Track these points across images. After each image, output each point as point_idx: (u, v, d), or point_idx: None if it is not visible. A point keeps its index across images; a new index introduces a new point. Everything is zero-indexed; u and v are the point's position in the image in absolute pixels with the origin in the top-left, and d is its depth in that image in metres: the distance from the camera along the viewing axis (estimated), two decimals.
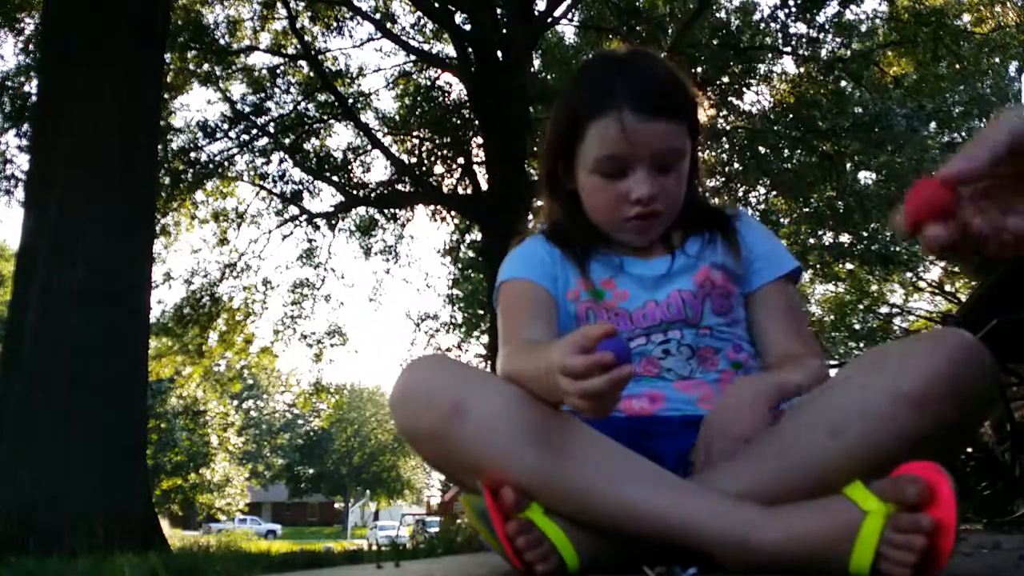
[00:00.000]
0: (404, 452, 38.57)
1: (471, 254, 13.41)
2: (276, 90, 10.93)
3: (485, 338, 14.18)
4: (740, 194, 11.73)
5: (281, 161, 11.02)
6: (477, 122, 10.07)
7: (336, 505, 45.94)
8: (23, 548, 3.47)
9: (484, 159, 9.96)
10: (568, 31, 12.44)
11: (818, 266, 12.54)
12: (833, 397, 0.97)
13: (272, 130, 10.85)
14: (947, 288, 19.29)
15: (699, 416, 1.10)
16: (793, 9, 9.73)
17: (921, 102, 10.31)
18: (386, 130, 11.53)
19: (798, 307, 1.30)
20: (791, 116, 10.34)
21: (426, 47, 11.20)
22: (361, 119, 10.80)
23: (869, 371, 0.97)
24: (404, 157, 11.13)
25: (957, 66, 11.10)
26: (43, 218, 4.54)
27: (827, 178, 10.43)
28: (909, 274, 17.94)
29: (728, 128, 10.65)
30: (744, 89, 10.77)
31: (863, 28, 10.77)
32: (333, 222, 11.77)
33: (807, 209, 11.27)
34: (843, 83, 10.53)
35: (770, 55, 10.60)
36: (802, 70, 10.58)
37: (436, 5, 9.56)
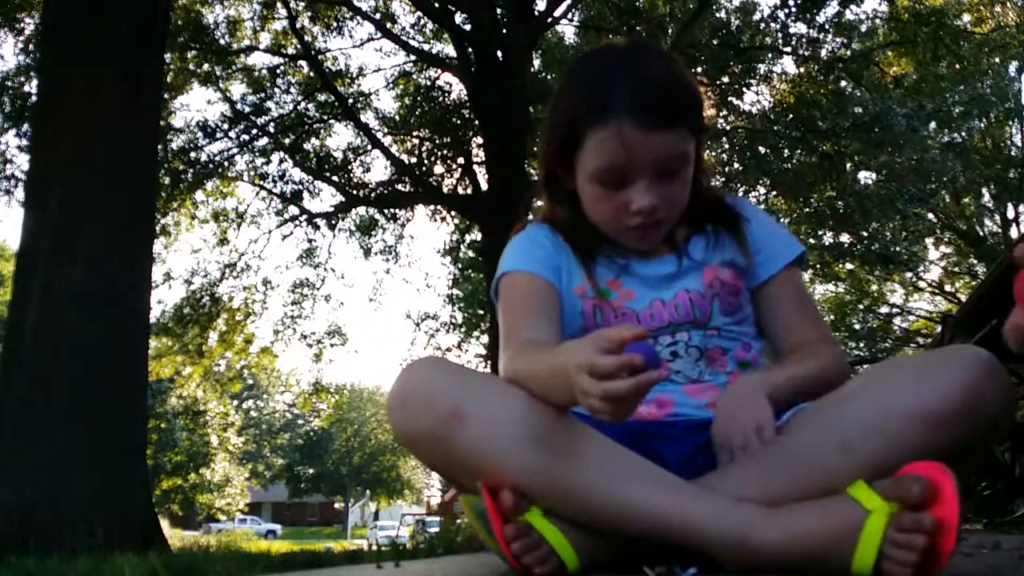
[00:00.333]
0: (404, 452, 38.52)
1: (471, 254, 13.40)
2: (276, 90, 10.93)
3: (485, 338, 14.17)
4: (740, 194, 11.72)
5: (281, 161, 11.02)
6: (477, 122, 10.06)
7: (336, 505, 45.93)
8: (23, 548, 3.47)
9: (484, 159, 9.95)
10: (568, 31, 12.44)
11: (818, 266, 12.53)
12: (845, 410, 0.95)
13: (272, 130, 10.84)
14: (947, 288, 19.30)
15: (706, 420, 1.09)
16: (793, 9, 9.73)
17: (921, 102, 10.29)
18: (386, 130, 11.52)
19: (805, 292, 1.28)
20: (791, 116, 10.32)
21: (426, 47, 11.20)
22: (361, 119, 10.80)
23: (884, 386, 0.95)
24: (404, 157, 11.13)
25: (957, 66, 11.11)
26: (43, 218, 4.54)
27: (827, 178, 10.42)
28: (909, 274, 17.95)
29: (728, 128, 10.64)
30: (744, 89, 10.77)
31: (863, 28, 10.77)
32: (333, 222, 11.77)
33: (807, 209, 11.26)
34: (843, 83, 10.52)
35: (770, 55, 10.59)
36: (802, 70, 10.57)
37: (436, 5, 9.56)
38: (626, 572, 0.93)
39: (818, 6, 9.63)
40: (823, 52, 10.34)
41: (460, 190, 11.17)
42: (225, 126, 10.64)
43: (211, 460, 26.36)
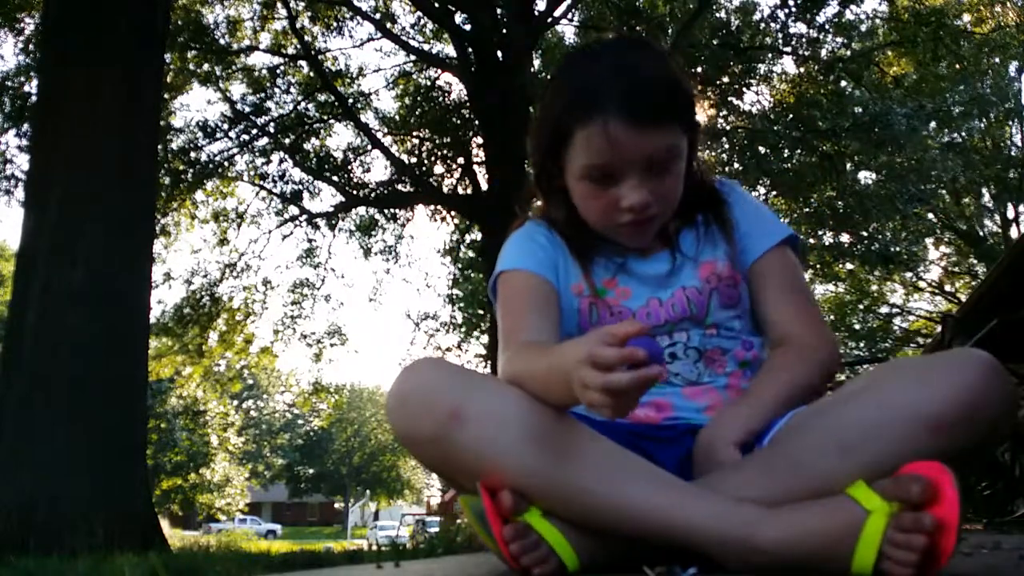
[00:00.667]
0: (404, 452, 38.48)
1: (471, 254, 13.40)
2: (276, 90, 10.94)
3: (485, 338, 14.16)
4: None
5: (281, 161, 11.03)
6: (477, 122, 10.07)
7: (336, 505, 45.94)
8: (23, 548, 3.47)
9: (484, 159, 9.96)
10: (568, 31, 12.43)
11: (818, 266, 12.53)
12: (846, 412, 0.94)
13: (272, 130, 10.85)
14: (947, 288, 19.31)
15: (703, 425, 1.09)
16: (793, 9, 9.73)
17: (921, 102, 10.29)
18: (386, 130, 11.53)
19: (797, 279, 1.23)
20: (791, 116, 10.32)
21: (426, 47, 11.21)
22: (361, 119, 10.80)
23: (885, 388, 0.94)
24: (404, 157, 11.13)
25: (957, 66, 11.12)
26: (43, 218, 4.54)
27: (827, 178, 10.42)
28: (909, 274, 17.95)
29: (728, 128, 10.65)
30: (744, 89, 10.76)
31: (863, 28, 10.79)
32: (333, 222, 11.78)
33: (807, 209, 11.26)
34: (843, 83, 10.52)
35: (770, 55, 10.59)
36: (802, 70, 10.58)
37: (436, 5, 9.56)
38: (626, 572, 0.92)
39: (818, 6, 9.64)
40: (823, 52, 10.34)
41: (460, 190, 11.18)
42: (225, 126, 10.65)
43: (211, 460, 26.36)
